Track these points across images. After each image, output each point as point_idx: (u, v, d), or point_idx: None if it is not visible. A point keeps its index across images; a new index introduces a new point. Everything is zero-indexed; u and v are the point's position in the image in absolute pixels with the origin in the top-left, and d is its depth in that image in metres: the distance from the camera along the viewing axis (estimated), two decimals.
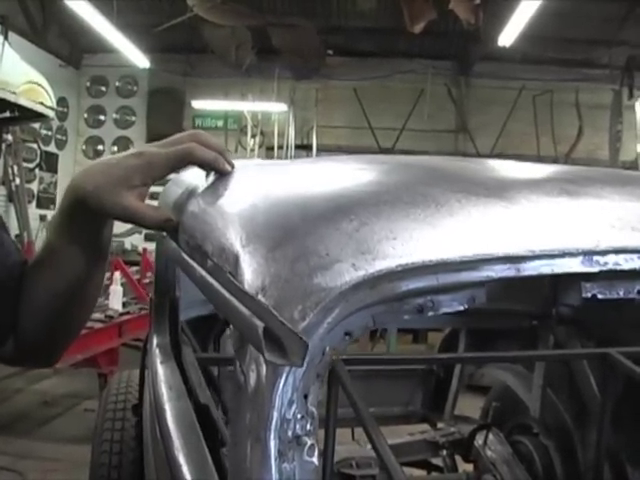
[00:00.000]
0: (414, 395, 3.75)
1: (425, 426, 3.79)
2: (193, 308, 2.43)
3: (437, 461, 3.60)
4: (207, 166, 1.00)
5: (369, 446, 2.93)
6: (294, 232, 0.76)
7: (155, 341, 1.71)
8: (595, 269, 0.85)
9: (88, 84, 12.06)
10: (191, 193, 1.15)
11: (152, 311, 1.81)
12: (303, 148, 11.84)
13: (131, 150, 0.96)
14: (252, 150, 11.85)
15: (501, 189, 0.92)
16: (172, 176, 1.60)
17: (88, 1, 7.74)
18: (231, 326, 0.75)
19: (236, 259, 0.77)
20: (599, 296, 0.90)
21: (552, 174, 1.09)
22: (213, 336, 3.02)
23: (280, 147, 11.68)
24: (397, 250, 0.75)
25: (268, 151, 11.80)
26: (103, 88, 12.04)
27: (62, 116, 11.25)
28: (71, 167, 11.90)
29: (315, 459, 0.71)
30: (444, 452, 3.53)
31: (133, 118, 12.02)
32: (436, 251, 0.76)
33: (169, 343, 1.71)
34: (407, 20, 8.69)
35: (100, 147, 12.06)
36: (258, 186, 0.96)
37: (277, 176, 1.03)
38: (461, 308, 0.81)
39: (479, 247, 0.78)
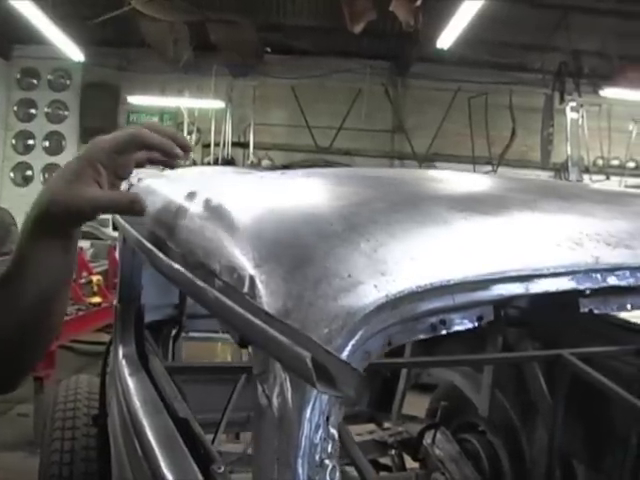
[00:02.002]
0: (361, 395, 3.78)
1: (372, 426, 3.81)
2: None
3: (385, 460, 3.63)
4: (155, 149, 0.97)
5: None
6: (312, 252, 0.75)
7: (121, 351, 1.67)
8: (595, 286, 0.87)
9: (18, 76, 11.62)
10: (178, 205, 1.12)
11: (116, 319, 1.76)
12: (240, 146, 11.78)
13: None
14: None
15: (501, 206, 0.93)
16: (146, 183, 1.56)
17: None
18: (250, 349, 0.73)
19: (252, 280, 0.75)
20: (595, 311, 0.93)
21: (543, 190, 1.11)
22: (162, 341, 2.97)
23: (217, 144, 11.58)
24: (415, 271, 0.75)
25: (204, 148, 11.68)
26: (34, 81, 11.63)
27: None
28: None
29: None
30: (393, 451, 3.57)
31: (66, 112, 11.64)
32: (452, 271, 0.77)
33: (135, 352, 1.67)
34: (348, 20, 8.72)
35: (31, 142, 11.64)
36: (261, 201, 0.94)
37: (276, 190, 1.02)
38: (471, 326, 0.82)
39: (491, 267, 0.79)
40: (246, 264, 0.78)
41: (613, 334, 2.62)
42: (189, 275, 0.86)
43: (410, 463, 3.43)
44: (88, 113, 11.39)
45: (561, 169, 10.98)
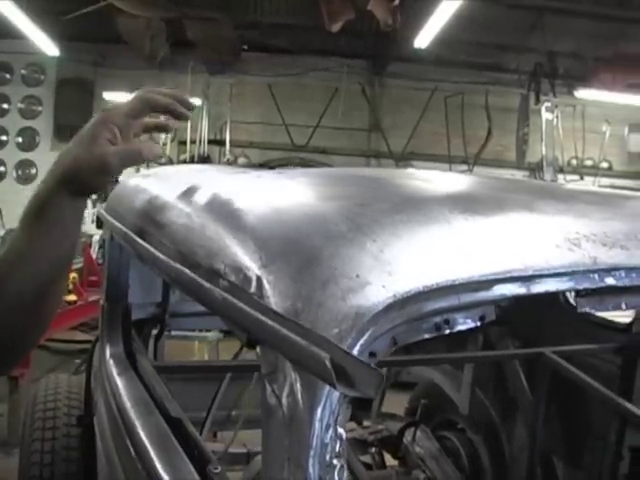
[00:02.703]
0: None
1: (352, 424, 3.82)
2: None
3: (365, 458, 3.64)
4: (166, 111, 1.06)
5: None
6: (319, 253, 0.76)
7: (108, 350, 1.65)
8: (593, 286, 0.89)
9: None
10: (173, 203, 1.11)
11: (103, 318, 1.75)
12: (216, 143, 11.73)
13: None
14: (164, 144, 11.62)
15: (500, 207, 0.94)
16: (135, 181, 1.55)
17: None
18: (259, 349, 0.73)
19: (259, 280, 0.75)
20: (592, 311, 0.95)
21: (538, 191, 1.13)
22: (143, 340, 2.95)
23: (193, 142, 11.52)
24: (421, 271, 0.76)
25: (180, 145, 11.61)
26: (7, 75, 11.40)
27: None
28: None
29: None
30: (373, 449, 3.58)
31: (40, 108, 11.46)
32: (457, 272, 0.77)
33: (123, 352, 1.66)
34: (325, 19, 8.71)
35: (4, 137, 11.41)
36: (262, 200, 0.94)
37: (276, 190, 1.02)
38: (473, 326, 0.83)
39: (495, 267, 0.80)
40: (252, 264, 0.78)
41: (591, 332, 2.66)
42: (192, 275, 0.86)
43: (390, 461, 3.44)
44: (62, 109, 11.23)
45: (536, 169, 11.09)
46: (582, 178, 11.12)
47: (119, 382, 1.48)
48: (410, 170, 1.30)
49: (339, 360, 0.57)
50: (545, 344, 2.51)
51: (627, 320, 2.53)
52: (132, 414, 1.29)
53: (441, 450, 3.16)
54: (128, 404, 1.35)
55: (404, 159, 11.64)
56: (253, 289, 0.75)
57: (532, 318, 2.80)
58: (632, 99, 9.69)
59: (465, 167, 11.13)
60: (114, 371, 1.55)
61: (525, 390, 2.76)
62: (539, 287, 0.84)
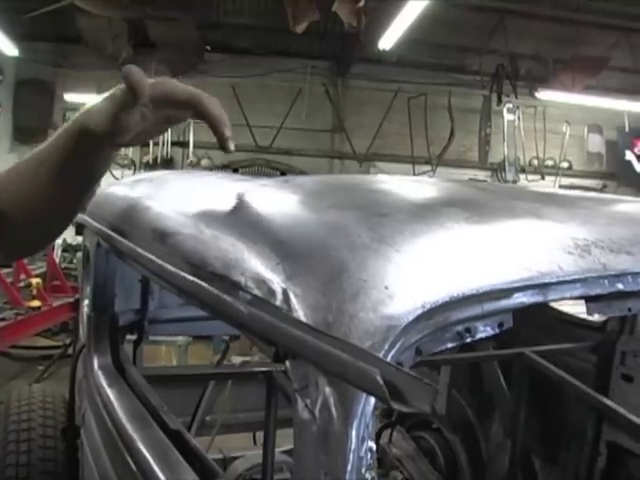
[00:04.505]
0: None
1: None
2: None
3: None
4: (207, 120, 0.90)
5: (277, 450, 2.94)
6: (345, 264, 0.75)
7: (96, 361, 1.62)
8: (604, 292, 0.90)
9: None
10: (170, 211, 1.09)
11: (90, 329, 1.71)
12: (179, 145, 11.61)
13: None
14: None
15: (511, 215, 0.95)
16: (124, 188, 1.52)
17: None
18: (288, 363, 0.71)
19: (285, 292, 0.74)
20: (600, 315, 0.96)
21: (540, 197, 1.14)
22: None
23: (156, 144, 11.39)
24: (446, 281, 0.76)
25: (143, 147, 11.47)
26: None
27: None
28: None
29: None
30: None
31: None
32: (480, 281, 0.78)
33: (111, 362, 1.63)
34: (290, 20, 8.68)
35: None
36: (274, 209, 0.93)
37: (285, 197, 1.00)
38: (492, 333, 0.84)
39: (514, 275, 0.81)
40: (276, 276, 0.77)
41: (567, 331, 2.71)
42: (209, 287, 0.84)
43: None
44: (22, 110, 11.00)
45: (498, 169, 11.26)
46: (543, 178, 11.32)
47: (110, 394, 1.45)
48: (415, 177, 1.30)
49: (387, 375, 0.56)
50: (521, 344, 2.55)
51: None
52: (129, 427, 1.27)
53: (418, 450, 3.18)
54: (123, 417, 1.32)
55: (367, 160, 11.69)
56: (279, 302, 0.74)
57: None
58: (591, 100, 9.89)
59: (428, 168, 11.23)
60: (104, 382, 1.52)
61: (503, 389, 2.79)
62: (554, 294, 0.85)
